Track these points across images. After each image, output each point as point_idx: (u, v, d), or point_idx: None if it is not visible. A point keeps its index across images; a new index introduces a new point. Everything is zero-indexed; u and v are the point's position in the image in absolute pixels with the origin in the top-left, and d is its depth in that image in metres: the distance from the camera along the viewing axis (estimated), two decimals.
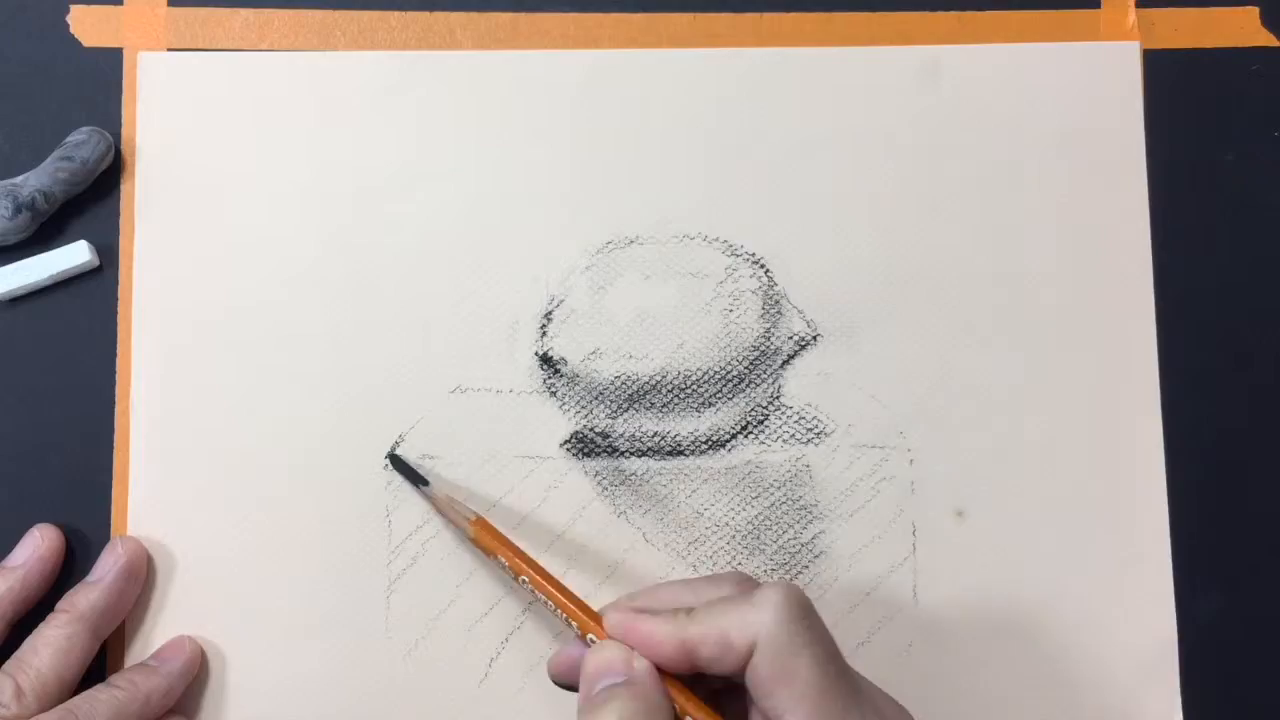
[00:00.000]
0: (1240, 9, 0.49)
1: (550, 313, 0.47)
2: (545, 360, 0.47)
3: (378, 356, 0.47)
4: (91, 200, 0.48)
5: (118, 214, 0.48)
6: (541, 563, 0.45)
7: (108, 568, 0.45)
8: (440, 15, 0.49)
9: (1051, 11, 0.49)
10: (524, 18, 0.49)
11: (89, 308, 0.47)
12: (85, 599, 0.44)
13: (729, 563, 0.46)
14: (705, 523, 0.47)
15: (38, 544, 0.45)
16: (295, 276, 0.47)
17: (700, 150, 0.48)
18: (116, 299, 0.47)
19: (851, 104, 0.48)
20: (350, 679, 0.46)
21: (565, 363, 0.47)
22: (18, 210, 0.46)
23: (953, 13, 0.49)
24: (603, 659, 0.37)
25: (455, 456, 0.46)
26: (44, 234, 0.47)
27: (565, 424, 0.47)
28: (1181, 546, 0.47)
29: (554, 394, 0.47)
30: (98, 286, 0.48)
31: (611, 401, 0.47)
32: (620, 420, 0.47)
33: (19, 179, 0.46)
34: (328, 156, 0.48)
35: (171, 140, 0.48)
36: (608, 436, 0.47)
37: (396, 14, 0.49)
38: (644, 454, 0.47)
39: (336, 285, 0.47)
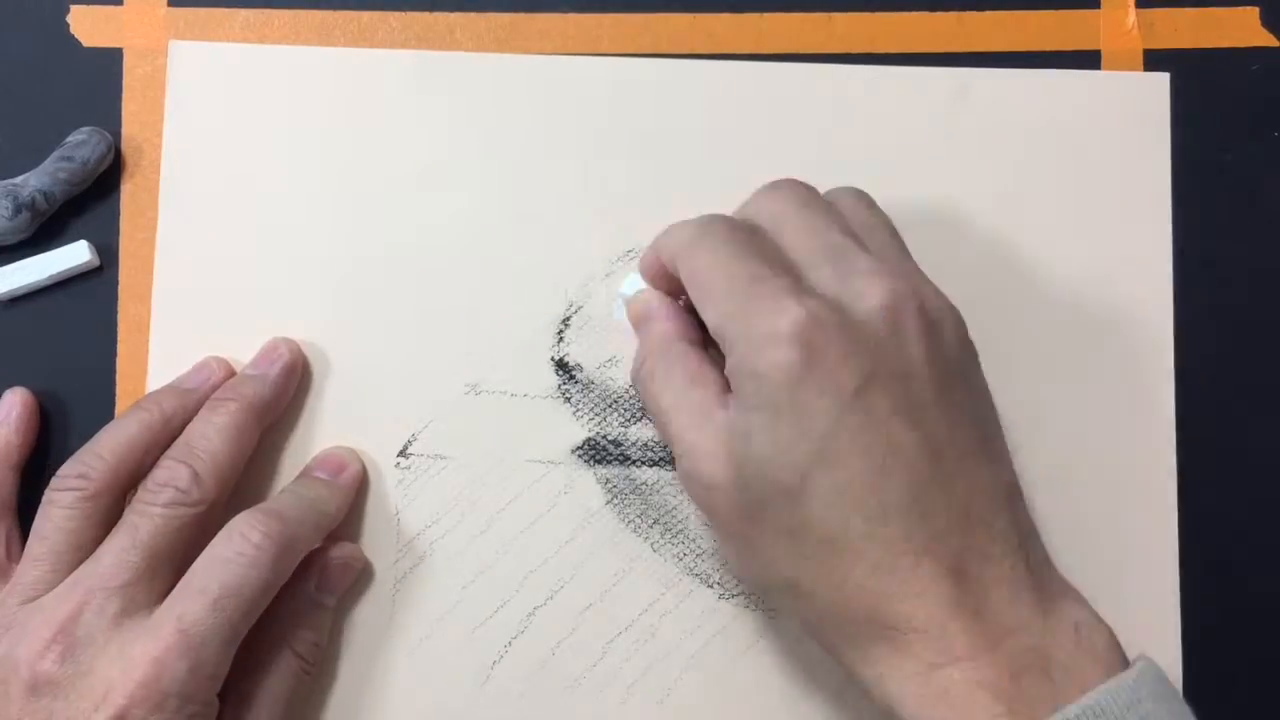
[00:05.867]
0: (1240, 9, 0.49)
1: (568, 318, 0.47)
2: (561, 366, 0.47)
3: (392, 356, 0.47)
4: (91, 200, 0.47)
5: (118, 214, 0.48)
6: (548, 568, 0.46)
7: (270, 363, 0.45)
8: (440, 15, 0.49)
9: (1051, 11, 0.49)
10: (524, 18, 0.49)
11: (89, 308, 0.47)
12: (252, 388, 0.44)
13: (735, 575, 0.46)
14: (713, 535, 0.46)
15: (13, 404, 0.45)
16: (313, 272, 0.47)
17: (724, 162, 0.48)
18: (117, 299, 0.47)
19: (878, 123, 0.48)
20: (351, 677, 0.46)
21: (581, 369, 0.47)
22: (18, 210, 0.46)
23: (952, 13, 0.49)
24: (635, 306, 0.43)
25: (467, 458, 0.46)
26: (44, 234, 0.47)
27: (578, 430, 0.46)
28: (1189, 562, 0.47)
29: (568, 400, 0.47)
30: (98, 286, 0.47)
31: (625, 410, 0.47)
32: (633, 429, 0.46)
33: (19, 179, 0.46)
34: (352, 153, 0.48)
35: (196, 131, 0.48)
36: (620, 445, 0.46)
37: (396, 14, 0.49)
38: (655, 464, 0.46)
39: (354, 282, 0.47)
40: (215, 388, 0.45)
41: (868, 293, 0.37)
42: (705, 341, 0.41)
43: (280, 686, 0.43)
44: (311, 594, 0.44)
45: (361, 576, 0.46)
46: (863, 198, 0.42)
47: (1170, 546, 0.46)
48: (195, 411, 0.44)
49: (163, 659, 0.38)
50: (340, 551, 0.44)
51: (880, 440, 0.36)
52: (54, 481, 0.42)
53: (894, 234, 0.41)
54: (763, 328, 0.36)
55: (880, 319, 0.37)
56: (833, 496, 0.36)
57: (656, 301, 0.42)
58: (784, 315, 0.36)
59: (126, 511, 0.41)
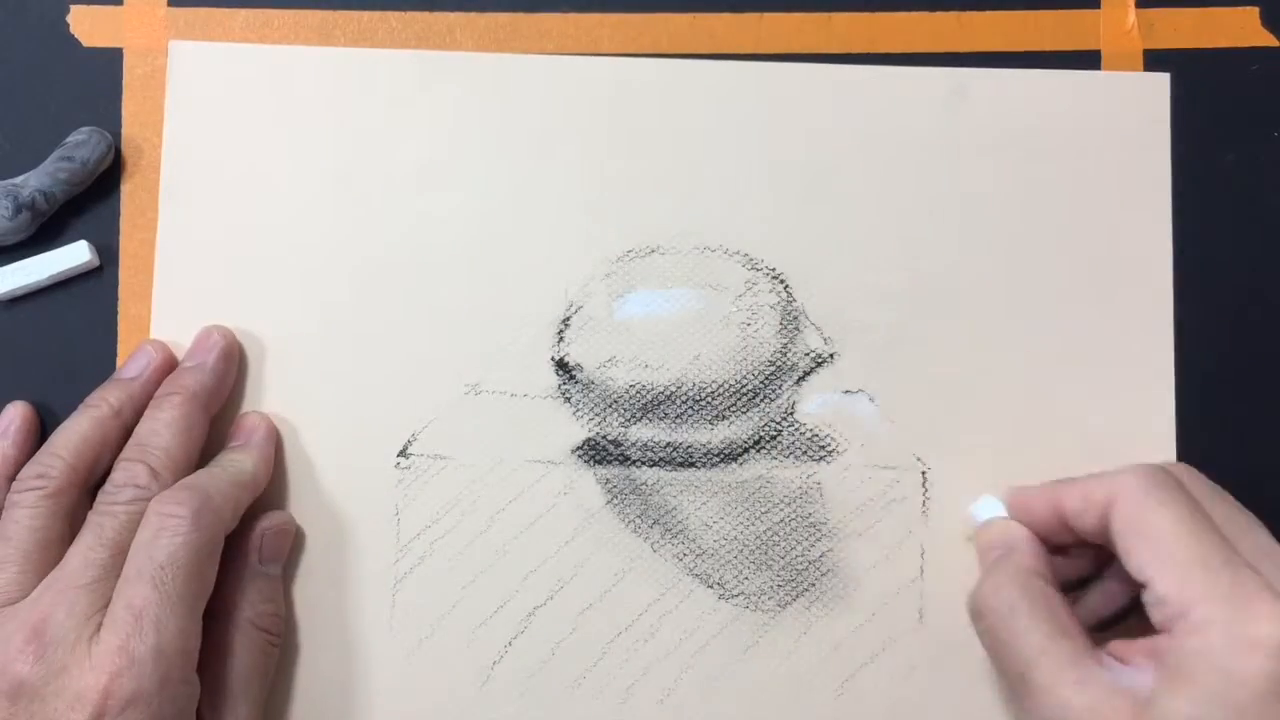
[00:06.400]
0: (1240, 9, 0.49)
1: (568, 319, 0.47)
2: (561, 366, 0.47)
3: (392, 355, 0.47)
4: (91, 200, 0.48)
5: (118, 214, 0.48)
6: (548, 568, 0.46)
7: (206, 351, 0.45)
8: (440, 15, 0.49)
9: (1051, 11, 0.49)
10: (524, 18, 0.49)
11: (89, 308, 0.47)
12: (193, 379, 0.45)
13: (735, 576, 0.46)
14: (713, 535, 0.46)
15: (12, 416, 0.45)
16: (313, 272, 0.47)
17: (724, 163, 0.48)
18: (117, 299, 0.47)
19: (877, 123, 0.48)
20: (351, 677, 0.46)
21: (581, 369, 0.47)
22: (18, 210, 0.46)
23: (952, 13, 0.49)
24: (992, 532, 0.43)
25: (467, 458, 0.46)
26: (44, 234, 0.47)
27: (578, 430, 0.46)
28: None
29: (568, 400, 0.47)
30: (98, 286, 0.47)
31: (625, 410, 0.47)
32: (633, 429, 0.47)
33: (19, 179, 0.46)
34: (352, 153, 0.48)
35: (196, 131, 0.48)
36: (620, 445, 0.46)
37: (396, 14, 0.49)
38: (655, 464, 0.47)
39: (354, 282, 0.47)
40: (157, 372, 0.45)
41: None
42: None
43: (250, 661, 0.43)
44: (256, 567, 0.44)
45: (361, 576, 0.46)
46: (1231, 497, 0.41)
47: None
48: (141, 399, 0.45)
49: (125, 646, 0.39)
50: (270, 521, 0.45)
51: None
52: (14, 485, 0.42)
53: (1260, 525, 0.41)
54: (1251, 626, 0.35)
55: None
56: None
57: (1024, 535, 0.42)
58: (1272, 622, 0.35)
59: (90, 515, 0.42)
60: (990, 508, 0.44)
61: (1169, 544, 0.37)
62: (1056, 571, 0.41)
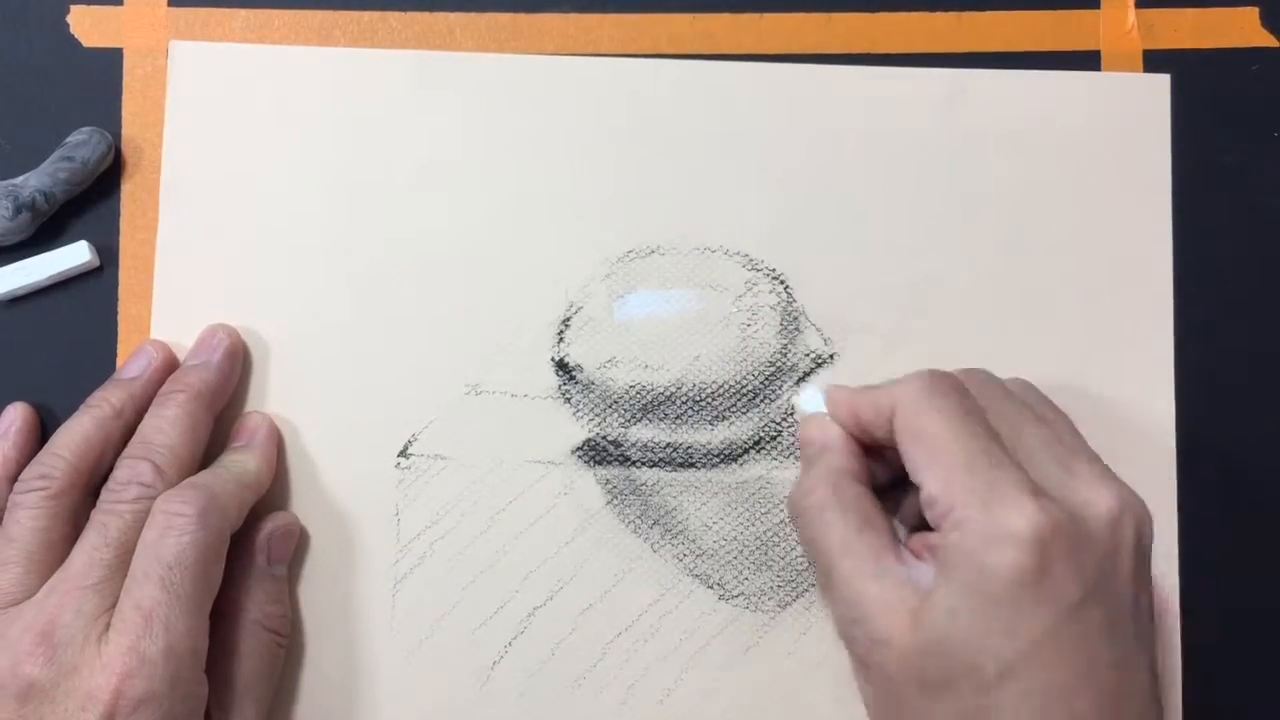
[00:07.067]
0: (1240, 9, 0.49)
1: (568, 319, 0.47)
2: (561, 366, 0.47)
3: (393, 356, 0.47)
4: (91, 200, 0.47)
5: (118, 214, 0.48)
6: (548, 568, 0.46)
7: (211, 349, 0.45)
8: (440, 15, 0.49)
9: (1051, 11, 0.49)
10: (524, 18, 0.49)
11: (89, 308, 0.47)
12: (198, 377, 0.45)
13: (735, 577, 0.46)
14: (713, 536, 0.46)
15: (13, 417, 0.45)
16: (313, 272, 0.47)
17: (724, 164, 0.48)
18: (117, 299, 0.47)
19: (877, 124, 0.48)
20: (352, 677, 0.46)
21: (581, 369, 0.47)
22: (18, 210, 0.46)
23: (952, 13, 0.49)
24: (811, 429, 0.43)
25: (467, 458, 0.46)
26: (44, 234, 0.47)
27: (578, 431, 0.46)
28: (1190, 570, 0.47)
29: (568, 400, 0.47)
30: (98, 286, 0.47)
31: (625, 410, 0.47)
32: (633, 430, 0.47)
33: (19, 179, 0.46)
34: (353, 153, 0.48)
35: (197, 131, 0.48)
36: (620, 445, 0.46)
37: (396, 14, 0.49)
38: (655, 464, 0.46)
39: (354, 282, 0.47)
40: (158, 372, 0.45)
41: (1096, 501, 0.38)
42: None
43: (257, 662, 0.43)
44: (263, 568, 0.44)
45: (362, 577, 0.46)
46: (1038, 391, 0.43)
47: (1170, 549, 0.46)
48: (143, 399, 0.44)
49: (136, 646, 0.39)
50: (276, 522, 0.45)
51: (1084, 654, 0.36)
52: (16, 485, 0.42)
53: (1075, 430, 0.42)
54: (1001, 522, 0.37)
55: (1106, 532, 0.38)
56: (1025, 698, 0.36)
57: (838, 435, 0.42)
58: (1023, 516, 0.37)
59: (94, 513, 0.42)
60: (812, 400, 0.43)
61: (937, 447, 0.39)
62: (876, 472, 0.42)
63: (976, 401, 0.40)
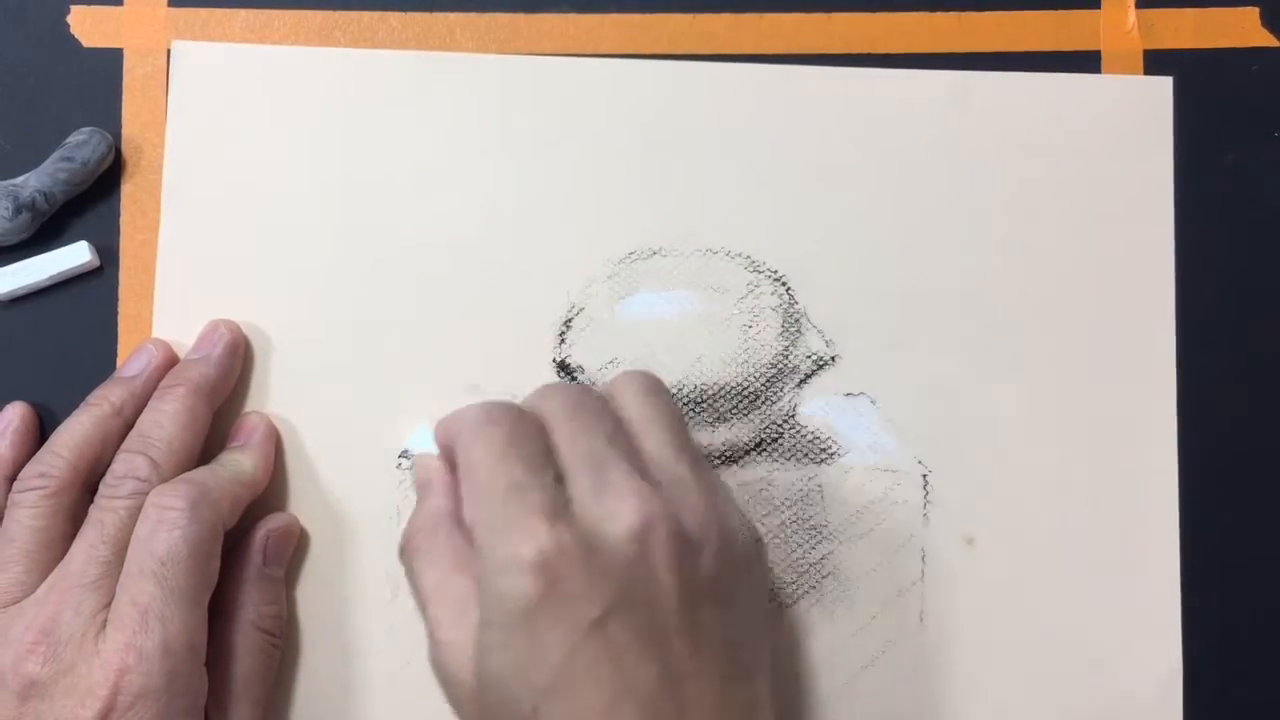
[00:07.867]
0: (1240, 9, 0.49)
1: (570, 320, 0.47)
2: (563, 367, 0.47)
3: (393, 356, 0.47)
4: (91, 200, 0.47)
5: (118, 214, 0.48)
6: None
7: (212, 344, 0.45)
8: (440, 16, 0.49)
9: (1051, 12, 0.49)
10: (524, 18, 0.49)
11: (89, 308, 0.47)
12: (198, 371, 0.45)
13: None
14: None
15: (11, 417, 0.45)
16: (314, 272, 0.47)
17: (726, 165, 0.48)
18: (117, 299, 0.47)
19: (880, 125, 0.48)
20: (351, 678, 0.46)
21: (582, 370, 0.47)
22: (18, 211, 0.46)
23: (952, 13, 0.49)
24: (416, 468, 0.42)
25: None
26: (44, 234, 0.47)
27: None
28: (1191, 579, 0.46)
29: None
30: (98, 286, 0.47)
31: None
32: None
33: (19, 179, 0.46)
34: (353, 153, 0.48)
35: (198, 131, 0.48)
36: None
37: (396, 14, 0.49)
38: None
39: (355, 282, 0.47)
40: (158, 370, 0.45)
41: (619, 513, 0.36)
42: None
43: (253, 662, 0.43)
44: (261, 568, 0.44)
45: (361, 578, 0.46)
46: (647, 385, 0.41)
47: (1172, 550, 0.46)
48: (143, 396, 0.44)
49: (132, 642, 0.39)
50: (274, 523, 0.45)
51: (615, 673, 0.35)
52: (15, 484, 0.42)
53: (672, 427, 0.40)
54: (508, 548, 0.36)
55: (629, 544, 0.36)
56: None
57: (437, 475, 0.41)
58: (529, 540, 0.35)
59: (91, 509, 0.42)
60: (425, 438, 0.42)
61: (472, 478, 0.37)
62: None
63: (531, 427, 0.38)
